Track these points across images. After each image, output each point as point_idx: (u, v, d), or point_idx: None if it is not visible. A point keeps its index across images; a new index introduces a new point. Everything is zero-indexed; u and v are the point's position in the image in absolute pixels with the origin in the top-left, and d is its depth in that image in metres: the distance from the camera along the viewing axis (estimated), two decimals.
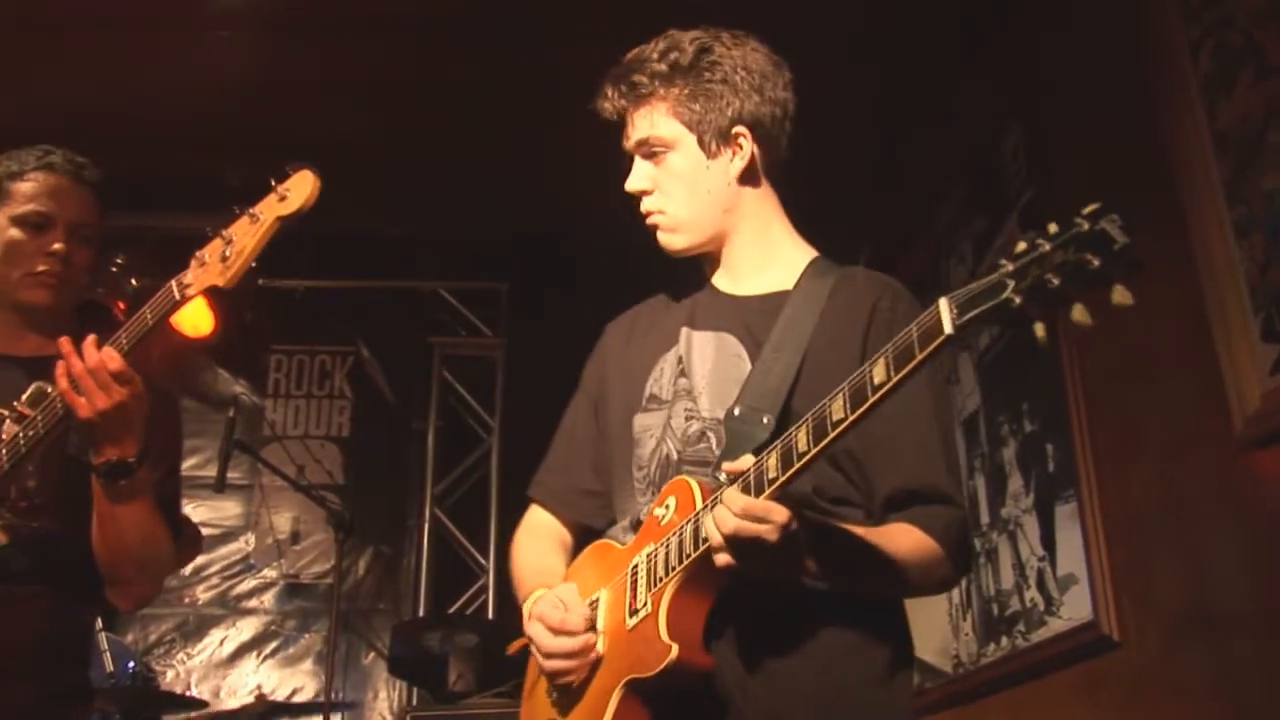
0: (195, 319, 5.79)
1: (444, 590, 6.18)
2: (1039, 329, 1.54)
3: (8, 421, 2.32)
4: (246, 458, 5.88)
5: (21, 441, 2.29)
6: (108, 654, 4.96)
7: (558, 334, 5.77)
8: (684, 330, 2.27)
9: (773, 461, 1.84)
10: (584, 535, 2.39)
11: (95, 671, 4.68)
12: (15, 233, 2.55)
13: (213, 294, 2.23)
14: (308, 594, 6.17)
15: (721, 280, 2.32)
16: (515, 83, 5.09)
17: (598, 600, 2.12)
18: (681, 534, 1.97)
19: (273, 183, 2.19)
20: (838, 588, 1.95)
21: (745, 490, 1.86)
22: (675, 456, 2.18)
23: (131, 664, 5.19)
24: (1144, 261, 1.47)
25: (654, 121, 2.21)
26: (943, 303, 1.61)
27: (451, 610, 6.07)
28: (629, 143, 2.25)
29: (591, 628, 2.07)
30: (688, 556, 1.93)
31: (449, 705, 4.80)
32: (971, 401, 4.48)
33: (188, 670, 6.04)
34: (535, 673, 2.20)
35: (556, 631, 2.06)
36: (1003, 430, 4.24)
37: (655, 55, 2.22)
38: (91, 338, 2.25)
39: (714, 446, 2.13)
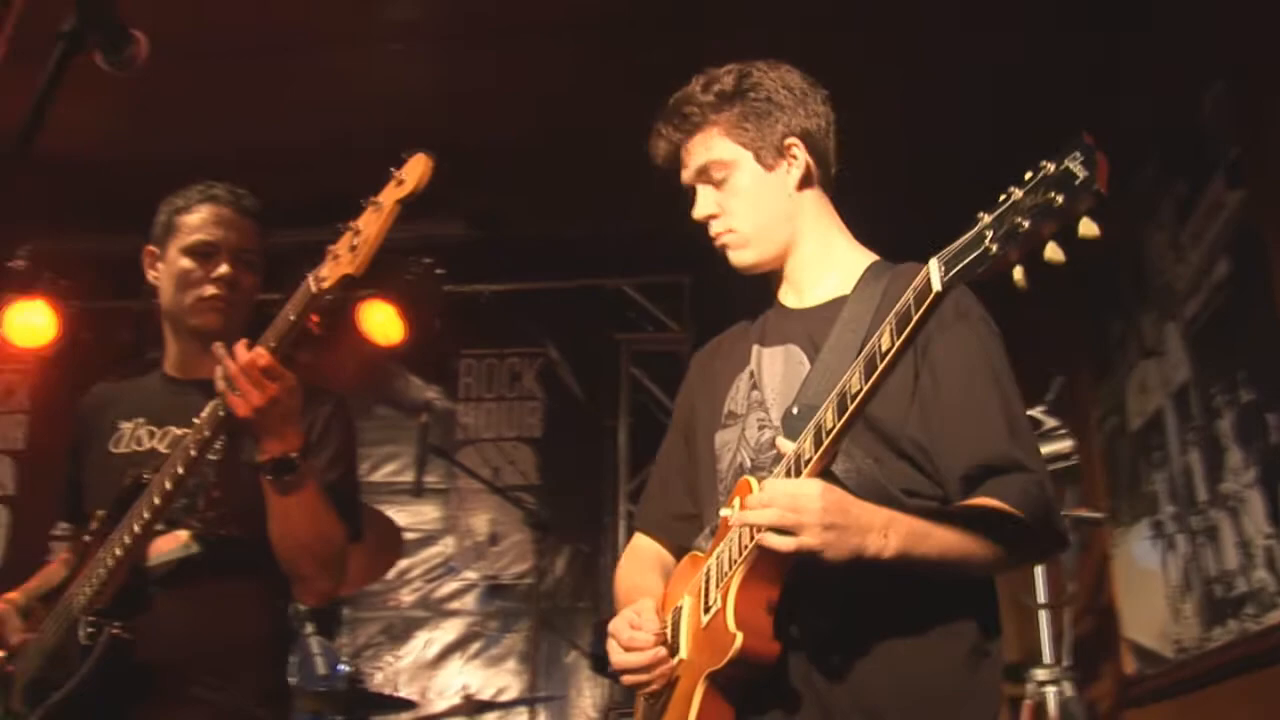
0: (386, 328, 6.04)
1: None
2: (1018, 273, 1.59)
3: (190, 440, 2.44)
4: (443, 462, 6.07)
5: (206, 433, 2.42)
6: (320, 657, 5.09)
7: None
8: (755, 348, 2.38)
9: (807, 444, 1.95)
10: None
11: (308, 674, 4.96)
12: (185, 262, 2.74)
13: (348, 282, 2.30)
14: (508, 594, 6.29)
15: (787, 295, 2.40)
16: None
17: (681, 608, 2.20)
18: (741, 529, 2.04)
19: (392, 171, 2.29)
20: (915, 573, 1.98)
21: (787, 473, 1.98)
22: (749, 464, 2.27)
23: (341, 667, 5.37)
24: (1104, 193, 1.51)
25: (710, 147, 2.32)
26: (932, 263, 1.73)
27: None
28: (688, 174, 2.35)
29: (664, 640, 2.15)
30: (745, 548, 2.00)
31: None
32: (1180, 373, 4.33)
33: (395, 672, 6.21)
34: None
35: (627, 648, 2.16)
36: (1216, 401, 4.06)
37: (699, 89, 2.34)
38: (242, 340, 2.40)
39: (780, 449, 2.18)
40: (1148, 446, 4.60)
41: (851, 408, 1.86)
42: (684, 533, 2.48)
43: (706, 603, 2.12)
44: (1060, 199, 1.56)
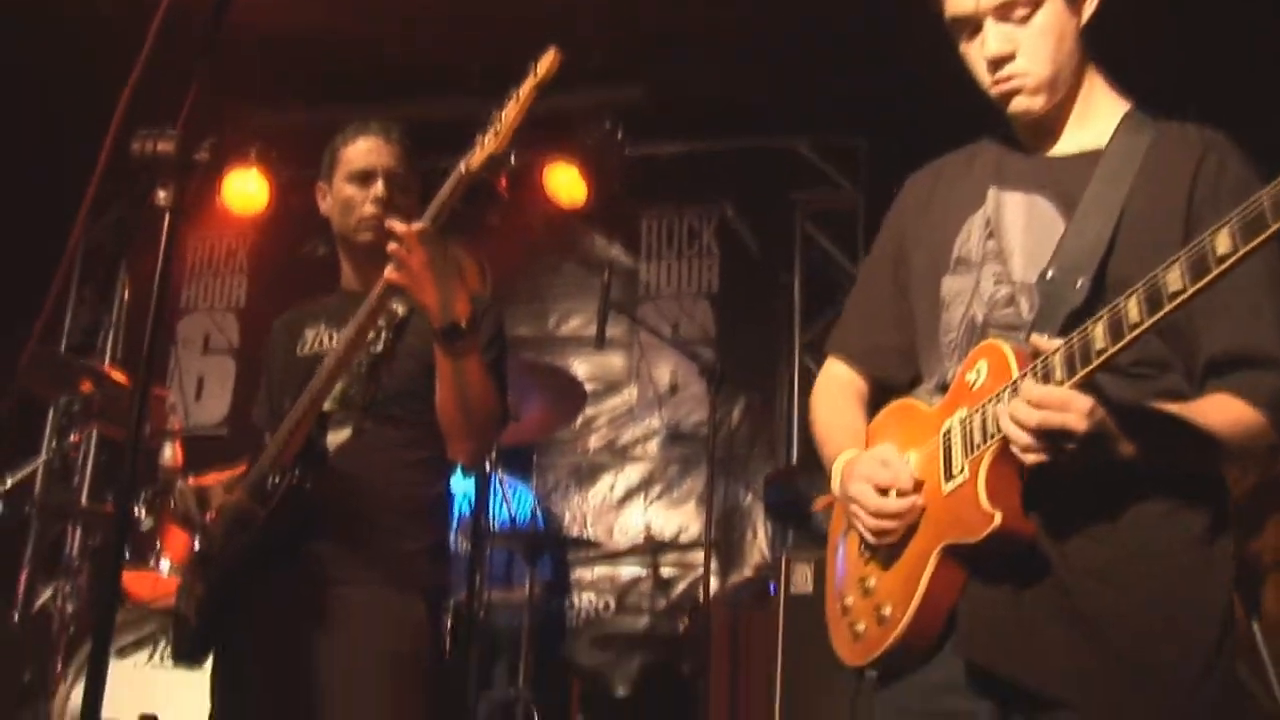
0: (570, 189, 6.26)
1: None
2: None
3: (360, 316, 2.67)
4: (625, 316, 6.17)
5: (375, 303, 2.64)
6: (508, 500, 5.47)
7: None
8: (992, 189, 2.20)
9: (1099, 330, 1.78)
10: (879, 390, 2.40)
11: (501, 515, 5.32)
12: (347, 189, 2.99)
13: (493, 161, 2.47)
14: (687, 442, 6.44)
15: (1031, 137, 2.22)
16: None
17: (908, 461, 2.11)
18: (999, 401, 1.92)
19: (531, 64, 2.39)
20: (1153, 466, 1.90)
21: (1068, 362, 1.82)
22: (981, 320, 2.13)
23: (532, 508, 5.75)
24: None
25: None
26: None
27: None
28: (983, 6, 2.09)
29: (918, 489, 2.06)
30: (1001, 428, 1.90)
31: (820, 548, 4.96)
32: None
33: (581, 513, 6.51)
34: (841, 527, 2.25)
35: (884, 491, 2.06)
36: None
37: None
38: (389, 220, 2.65)
39: (1023, 311, 2.08)
40: None
41: (1167, 307, 1.69)
42: (886, 365, 2.40)
43: (949, 469, 2.02)
44: None
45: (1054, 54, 2.10)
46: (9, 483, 4.85)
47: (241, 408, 6.70)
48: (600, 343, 5.15)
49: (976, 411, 1.97)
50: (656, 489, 6.48)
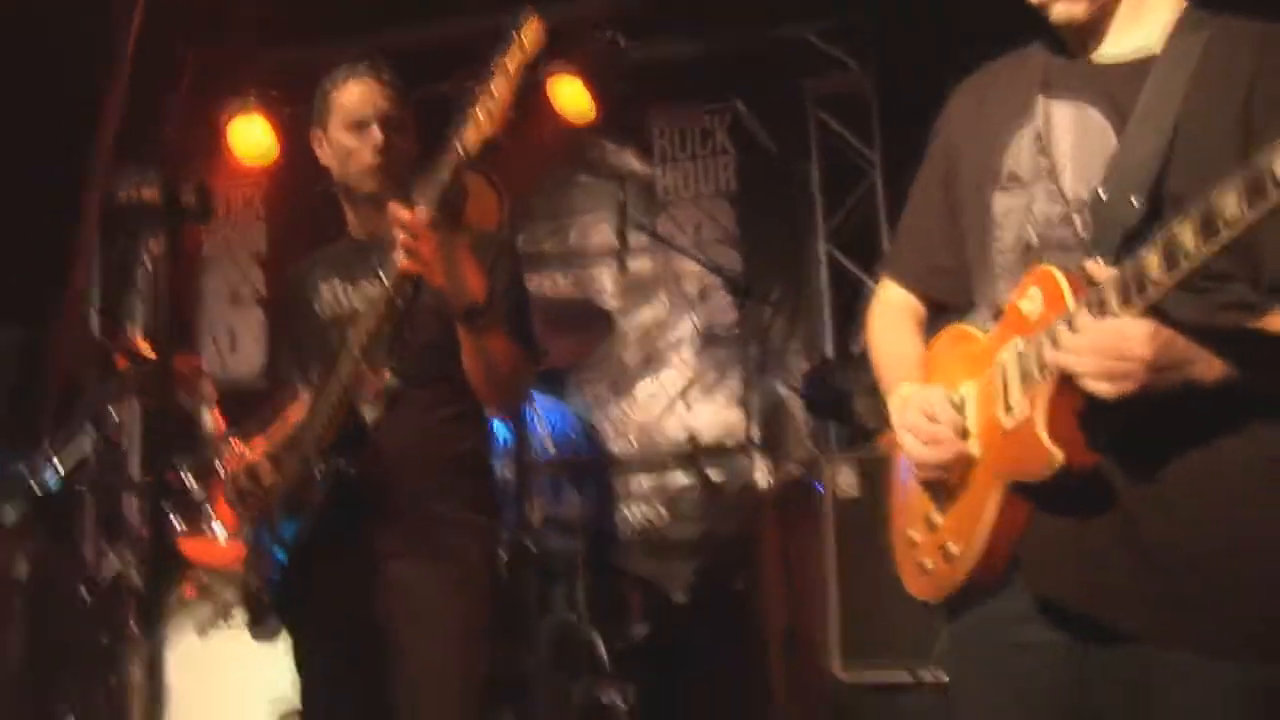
0: (576, 101, 6.18)
1: (846, 325, 6.29)
2: None
3: (379, 298, 2.72)
4: (648, 224, 6.25)
5: (389, 290, 2.68)
6: (548, 428, 5.52)
7: (927, 61, 5.71)
8: (1040, 100, 2.12)
9: (1154, 259, 1.72)
10: (937, 310, 2.38)
11: (538, 442, 5.39)
12: (344, 138, 2.98)
13: (490, 144, 2.43)
14: (722, 344, 6.45)
15: (1079, 40, 2.12)
16: None
17: (964, 398, 2.09)
18: (1054, 333, 1.88)
19: (514, 34, 2.40)
20: (1231, 386, 1.84)
21: (1122, 291, 1.78)
22: (1036, 243, 2.08)
23: (573, 427, 5.83)
24: None
25: None
26: None
27: (853, 346, 6.16)
28: None
29: (963, 434, 2.05)
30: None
31: (863, 447, 5.00)
32: None
33: (623, 425, 6.58)
34: (904, 457, 2.23)
35: (928, 442, 2.07)
36: None
37: None
38: (392, 205, 2.60)
39: (1078, 230, 2.02)
40: None
41: (1224, 235, 1.63)
42: (942, 287, 2.36)
43: (1008, 402, 1.99)
44: None
45: None
46: (63, 465, 4.99)
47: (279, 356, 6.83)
48: (622, 265, 5.27)
49: (1032, 343, 1.93)
50: (695, 394, 6.53)
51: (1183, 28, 2.02)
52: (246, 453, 3.14)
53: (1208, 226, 1.64)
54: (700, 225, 6.57)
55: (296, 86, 6.29)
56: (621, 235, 5.13)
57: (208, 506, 4.74)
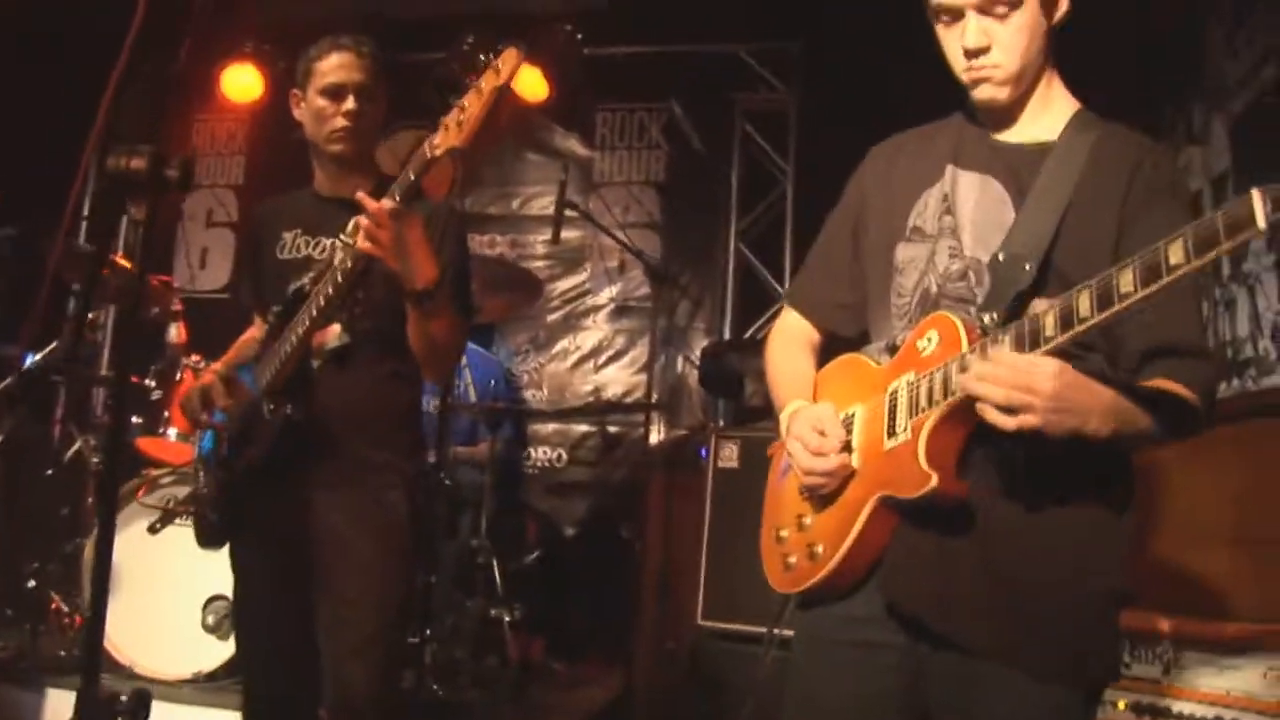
0: (533, 86, 6.62)
1: (746, 314, 6.84)
2: None
3: (340, 251, 2.79)
4: (581, 201, 6.65)
5: (349, 264, 2.75)
6: (478, 366, 6.01)
7: (844, 88, 6.32)
8: (949, 167, 2.28)
9: (1049, 320, 1.86)
10: (831, 339, 2.53)
11: (461, 389, 5.78)
12: (320, 101, 3.10)
13: (455, 154, 2.52)
14: (633, 315, 7.00)
15: (990, 124, 2.29)
16: None
17: (853, 416, 2.21)
18: (946, 370, 2.01)
19: (490, 57, 2.47)
20: (1105, 445, 1.95)
21: (1017, 343, 1.91)
22: (935, 291, 2.22)
23: (494, 375, 6.26)
24: None
25: None
26: (1256, 194, 1.58)
27: (750, 333, 6.68)
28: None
29: (846, 448, 2.16)
30: (951, 394, 1.98)
31: (746, 426, 5.26)
32: (1221, 162, 4.59)
33: (539, 375, 7.12)
34: (783, 466, 2.35)
35: (815, 453, 2.16)
36: None
37: None
38: (360, 194, 2.70)
39: (973, 285, 2.17)
40: None
41: (1117, 306, 1.75)
42: (838, 320, 2.49)
43: (892, 426, 2.10)
44: None
45: (1025, 51, 2.18)
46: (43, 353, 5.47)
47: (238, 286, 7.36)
48: (555, 238, 5.64)
49: (924, 377, 2.06)
50: (605, 355, 7.05)
51: (1077, 125, 2.22)
52: (204, 372, 3.24)
53: (1104, 298, 1.77)
54: (629, 207, 7.12)
55: (290, 42, 6.87)
56: (558, 208, 5.57)
57: (165, 410, 5.13)
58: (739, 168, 6.99)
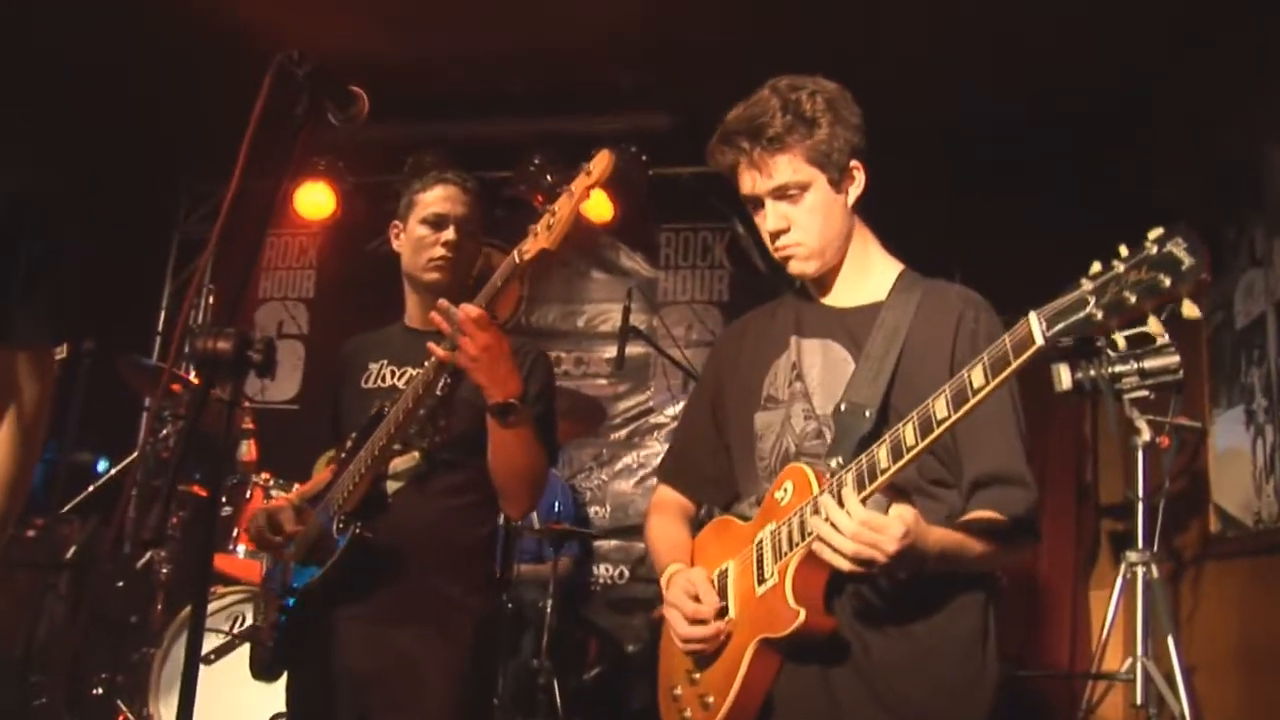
0: (598, 208, 6.75)
1: None
2: (1119, 339, 1.72)
3: (420, 379, 2.77)
4: (645, 320, 6.84)
5: (430, 376, 2.75)
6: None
7: (896, 210, 6.28)
8: (793, 338, 2.48)
9: (883, 453, 2.03)
10: (703, 506, 2.75)
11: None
12: (421, 230, 3.14)
13: (545, 256, 2.54)
14: None
15: (823, 292, 2.50)
16: None
17: (726, 570, 2.35)
18: (802, 514, 2.16)
19: (582, 164, 2.55)
20: (943, 572, 2.16)
21: (859, 480, 2.05)
22: (794, 450, 2.39)
23: (559, 498, 6.32)
24: (1209, 281, 1.59)
25: (791, 168, 2.37)
26: (1032, 317, 1.79)
27: None
28: (761, 188, 2.40)
29: (721, 614, 2.29)
30: (809, 535, 2.11)
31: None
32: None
33: (603, 492, 7.16)
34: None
35: (691, 620, 2.30)
36: None
37: (778, 109, 2.37)
38: (441, 302, 2.67)
39: (827, 440, 2.32)
40: (1249, 344, 4.95)
41: (936, 431, 1.93)
42: (705, 492, 2.69)
43: (761, 573, 2.23)
44: (1167, 281, 1.62)
45: (822, 228, 2.39)
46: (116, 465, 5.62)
47: (311, 385, 7.55)
48: (620, 364, 5.70)
49: (784, 524, 2.22)
50: None
51: (902, 285, 2.43)
52: (274, 497, 3.36)
53: (924, 425, 1.96)
54: (692, 326, 7.20)
55: (362, 160, 7.08)
56: (621, 335, 5.57)
57: (235, 526, 5.22)
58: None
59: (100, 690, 5.26)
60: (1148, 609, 4.54)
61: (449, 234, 3.12)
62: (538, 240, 2.52)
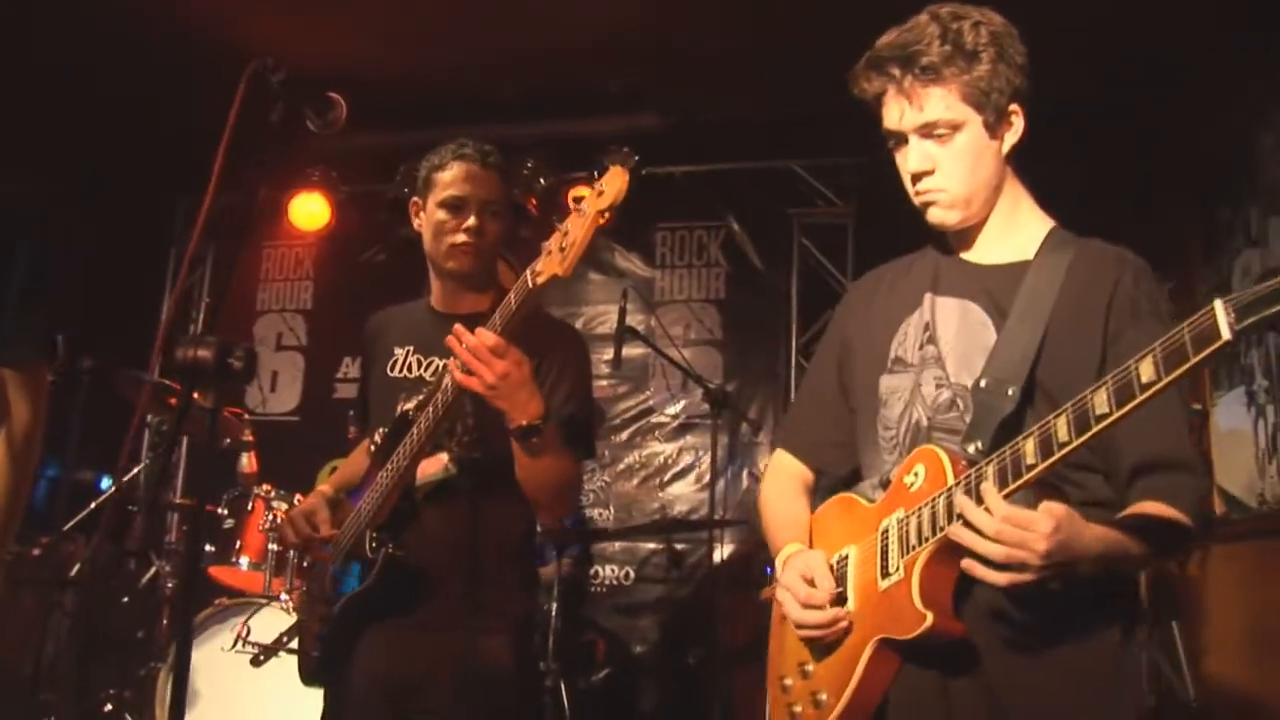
0: None
1: None
2: None
3: (449, 375, 2.60)
4: (644, 319, 6.83)
5: (450, 395, 2.60)
6: None
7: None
8: (928, 295, 2.26)
9: (1030, 447, 1.83)
10: (825, 477, 2.47)
11: None
12: (440, 214, 2.94)
13: (557, 281, 2.35)
14: (698, 431, 6.98)
15: (965, 247, 2.28)
16: None
17: (846, 558, 2.17)
18: (934, 506, 1.98)
19: (595, 176, 2.44)
20: (1092, 580, 1.94)
21: (1002, 476, 1.87)
22: (925, 423, 2.17)
23: None
24: None
25: (948, 104, 2.14)
26: (1219, 305, 1.54)
27: None
28: (907, 123, 2.17)
29: (838, 600, 2.12)
30: (940, 529, 1.95)
31: None
32: None
33: (606, 493, 7.12)
34: (783, 612, 2.26)
35: (804, 605, 2.13)
36: None
37: (936, 37, 2.15)
38: (457, 327, 2.51)
39: (963, 414, 2.12)
40: None
41: (1094, 429, 1.73)
42: (829, 458, 2.45)
43: (885, 566, 2.06)
44: None
45: (970, 174, 2.17)
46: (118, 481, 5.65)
47: (311, 397, 7.55)
48: (617, 364, 5.69)
49: (913, 514, 2.03)
50: (670, 473, 7.06)
51: (1052, 244, 2.20)
52: (311, 494, 3.14)
53: (1080, 421, 1.74)
54: (689, 325, 7.18)
55: (355, 169, 7.07)
56: (618, 334, 5.56)
57: (237, 539, 5.16)
58: (798, 282, 7.04)
59: (109, 706, 5.26)
60: (1153, 593, 4.55)
61: (470, 220, 2.93)
62: (551, 261, 2.34)
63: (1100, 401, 1.72)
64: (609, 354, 6.30)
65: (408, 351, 3.07)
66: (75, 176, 7.07)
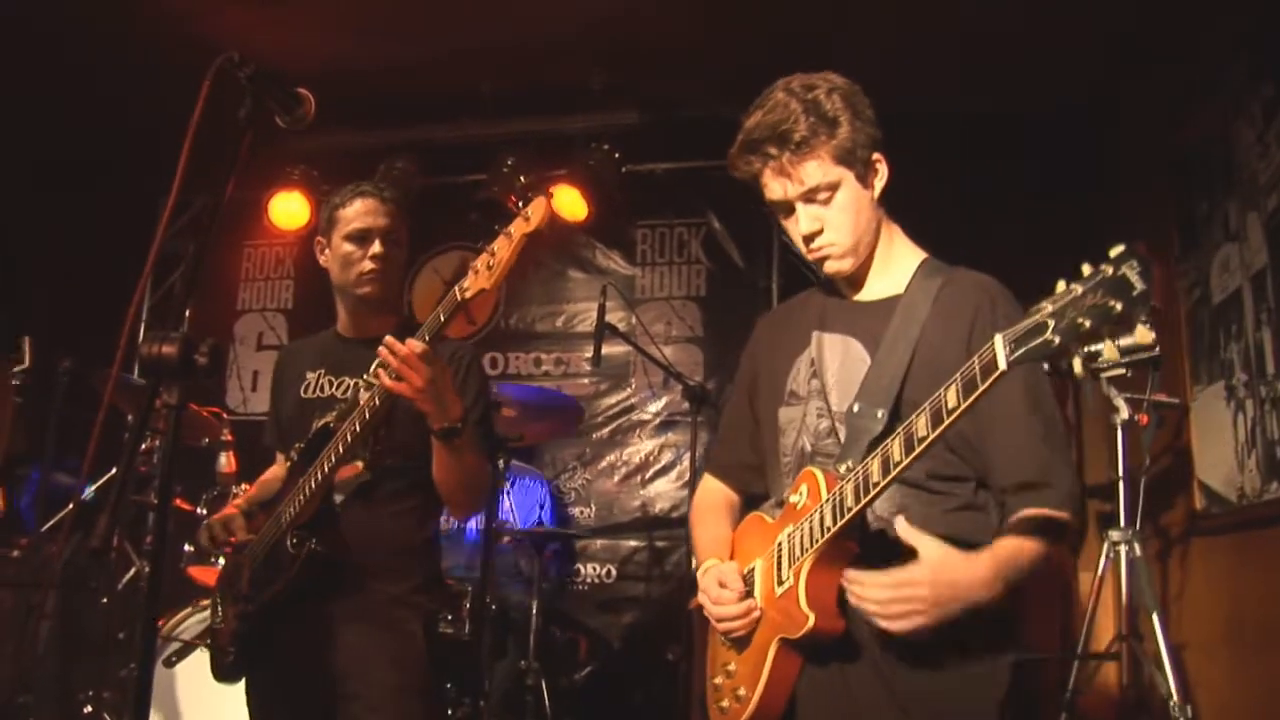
0: (573, 207, 6.75)
1: None
2: (1076, 364, 1.75)
3: (365, 390, 2.87)
4: (625, 317, 6.82)
5: (376, 402, 2.81)
6: (513, 507, 6.05)
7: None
8: (815, 333, 2.52)
9: (895, 446, 2.05)
10: (750, 494, 2.74)
11: (505, 516, 5.78)
12: (346, 246, 3.23)
13: (483, 294, 2.61)
14: (680, 428, 6.97)
15: (847, 287, 2.53)
16: None
17: (753, 570, 2.41)
18: (812, 519, 2.24)
19: (519, 205, 2.66)
20: (1003, 596, 2.16)
21: (864, 485, 2.11)
22: (809, 449, 2.44)
23: (542, 498, 6.32)
24: (1159, 306, 1.75)
25: (824, 170, 2.36)
26: (998, 340, 1.83)
27: None
28: (789, 194, 2.39)
29: (746, 596, 2.36)
30: (817, 540, 2.21)
31: None
32: (1259, 259, 4.64)
33: (587, 491, 7.10)
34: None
35: (716, 603, 2.39)
36: None
37: (800, 112, 2.35)
38: (388, 339, 2.73)
39: (840, 439, 2.37)
40: (1227, 319, 4.93)
41: (919, 449, 1.97)
42: (747, 480, 2.71)
43: (779, 575, 2.31)
44: (1119, 307, 1.64)
45: (854, 225, 2.41)
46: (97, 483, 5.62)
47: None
48: (596, 361, 5.68)
49: (798, 528, 2.29)
50: (651, 470, 7.04)
51: (922, 274, 2.45)
52: (225, 506, 3.33)
53: (935, 416, 1.96)
54: (671, 322, 7.15)
55: (334, 167, 7.01)
56: (597, 331, 5.53)
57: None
58: (778, 280, 7.00)
59: (89, 708, 5.26)
60: (1132, 588, 4.57)
61: (375, 248, 3.19)
62: (478, 279, 2.57)
63: (920, 425, 1.99)
64: (589, 352, 6.37)
65: (319, 374, 3.30)
66: (50, 178, 7.05)
